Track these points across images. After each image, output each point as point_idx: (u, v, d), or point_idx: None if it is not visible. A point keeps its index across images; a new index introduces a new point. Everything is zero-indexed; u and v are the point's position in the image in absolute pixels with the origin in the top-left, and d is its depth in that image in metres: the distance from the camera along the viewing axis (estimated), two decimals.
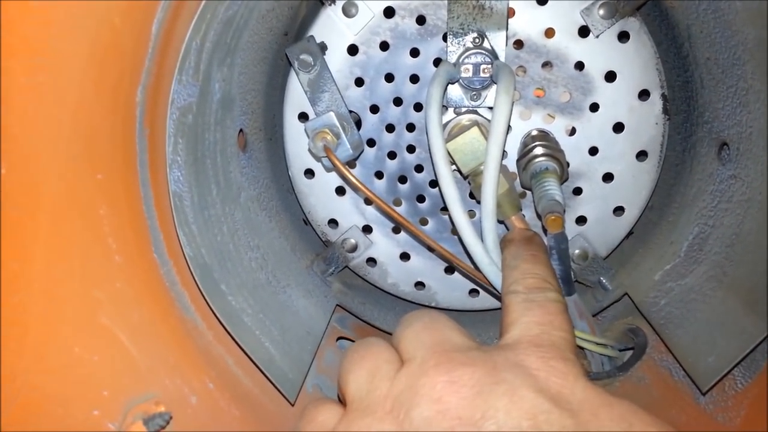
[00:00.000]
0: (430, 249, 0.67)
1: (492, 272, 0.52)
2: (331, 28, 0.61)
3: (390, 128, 0.64)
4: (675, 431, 0.34)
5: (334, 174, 0.66)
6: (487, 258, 0.52)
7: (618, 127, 0.61)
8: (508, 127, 0.54)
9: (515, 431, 0.33)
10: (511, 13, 0.59)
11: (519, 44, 0.60)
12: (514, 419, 0.33)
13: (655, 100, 0.60)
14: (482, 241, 0.53)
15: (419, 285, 0.69)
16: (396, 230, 0.67)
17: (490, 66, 0.59)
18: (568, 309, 0.43)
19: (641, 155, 0.62)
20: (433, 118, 0.54)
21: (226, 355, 0.55)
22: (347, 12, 0.61)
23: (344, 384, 0.40)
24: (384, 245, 0.68)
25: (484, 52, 0.59)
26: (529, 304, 0.42)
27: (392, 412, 0.36)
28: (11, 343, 0.43)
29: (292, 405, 0.57)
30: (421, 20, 0.60)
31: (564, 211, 0.55)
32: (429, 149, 0.54)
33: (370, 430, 0.36)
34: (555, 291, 0.43)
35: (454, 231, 0.66)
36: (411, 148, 0.64)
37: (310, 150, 0.58)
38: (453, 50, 0.60)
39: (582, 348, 0.58)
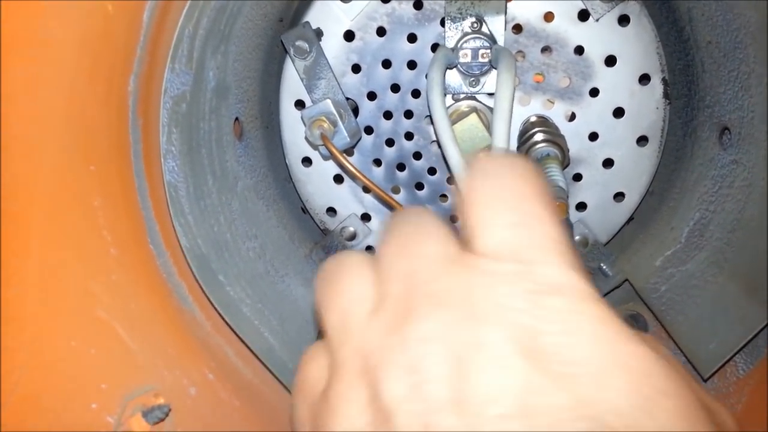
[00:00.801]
0: None
1: None
2: (327, 14, 0.60)
3: (388, 115, 0.63)
4: None
5: (331, 162, 0.65)
6: None
7: (618, 112, 0.60)
8: None
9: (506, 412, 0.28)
10: None
11: (518, 29, 0.59)
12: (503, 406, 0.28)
13: (656, 85, 0.59)
14: None
15: None
16: None
17: (488, 51, 0.58)
18: None
19: (642, 140, 0.61)
20: (436, 102, 0.53)
21: (225, 345, 0.55)
22: None
23: (322, 323, 0.34)
24: None
25: (482, 36, 0.58)
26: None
27: (364, 376, 0.29)
28: (7, 337, 0.42)
29: None
30: (418, 5, 0.59)
31: (568, 197, 0.54)
32: (435, 133, 0.54)
33: (342, 402, 0.30)
34: None
35: (454, 219, 0.66)
36: (409, 135, 0.64)
37: (306, 138, 0.57)
38: (451, 35, 0.59)
39: None
